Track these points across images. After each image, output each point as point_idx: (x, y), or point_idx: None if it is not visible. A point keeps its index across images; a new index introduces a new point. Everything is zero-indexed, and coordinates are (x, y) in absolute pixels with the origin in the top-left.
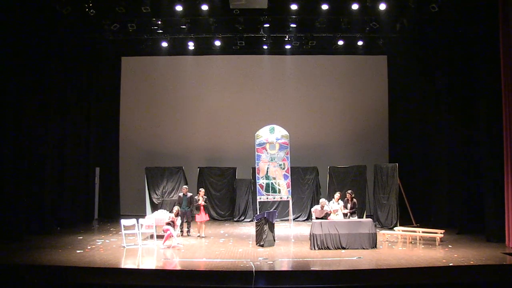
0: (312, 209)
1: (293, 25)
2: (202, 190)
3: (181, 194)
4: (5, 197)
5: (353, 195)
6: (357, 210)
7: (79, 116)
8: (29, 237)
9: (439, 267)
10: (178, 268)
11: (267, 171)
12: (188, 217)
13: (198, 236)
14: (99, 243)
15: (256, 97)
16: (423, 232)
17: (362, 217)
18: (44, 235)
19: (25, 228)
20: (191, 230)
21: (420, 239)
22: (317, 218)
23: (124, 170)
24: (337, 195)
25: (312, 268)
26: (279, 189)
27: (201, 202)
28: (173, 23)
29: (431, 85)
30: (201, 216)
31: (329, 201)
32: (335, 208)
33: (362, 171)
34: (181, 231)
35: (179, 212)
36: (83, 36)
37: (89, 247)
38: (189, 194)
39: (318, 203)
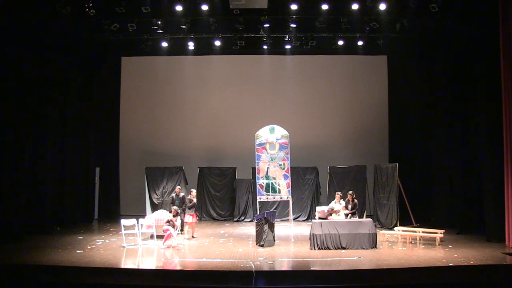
0: (318, 209)
1: (293, 25)
2: (193, 191)
3: (173, 194)
4: (5, 197)
5: (354, 196)
6: (357, 210)
7: (79, 116)
8: (29, 237)
9: (439, 267)
10: (178, 268)
11: (267, 171)
12: (180, 217)
13: (187, 238)
14: (99, 243)
15: (256, 97)
16: (423, 232)
17: (362, 217)
18: (44, 235)
19: (25, 228)
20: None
21: (420, 239)
22: (320, 218)
23: (124, 170)
24: (337, 195)
25: (312, 268)
26: (279, 189)
27: (195, 201)
28: (173, 23)
29: (431, 84)
30: (194, 217)
31: (329, 202)
32: (336, 208)
33: (362, 171)
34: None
35: (178, 212)
36: (83, 36)
37: (89, 247)
38: (181, 194)
39: (318, 203)
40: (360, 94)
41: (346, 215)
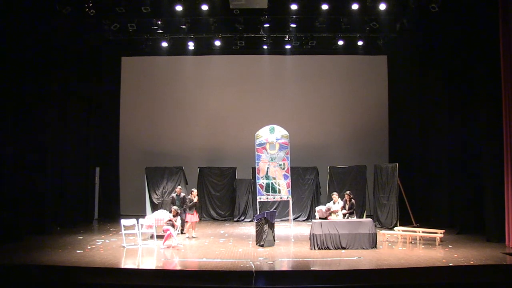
0: (317, 208)
1: (293, 25)
2: (194, 190)
3: (174, 194)
4: (5, 197)
5: (351, 196)
6: (356, 210)
7: (79, 116)
8: (29, 237)
9: (439, 267)
10: (178, 268)
11: (267, 171)
12: (181, 217)
13: (188, 237)
14: (99, 243)
15: (256, 97)
16: (423, 232)
17: (362, 217)
18: (44, 235)
19: (25, 228)
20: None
21: (420, 239)
22: (320, 218)
23: (124, 170)
24: (335, 196)
25: (312, 268)
26: (279, 189)
27: (196, 201)
28: (173, 23)
29: (431, 85)
30: (194, 217)
31: (329, 202)
32: (334, 208)
33: (362, 171)
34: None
35: (178, 212)
36: (83, 36)
37: (89, 247)
38: (182, 194)
39: (318, 203)
40: (360, 94)
41: (344, 215)
